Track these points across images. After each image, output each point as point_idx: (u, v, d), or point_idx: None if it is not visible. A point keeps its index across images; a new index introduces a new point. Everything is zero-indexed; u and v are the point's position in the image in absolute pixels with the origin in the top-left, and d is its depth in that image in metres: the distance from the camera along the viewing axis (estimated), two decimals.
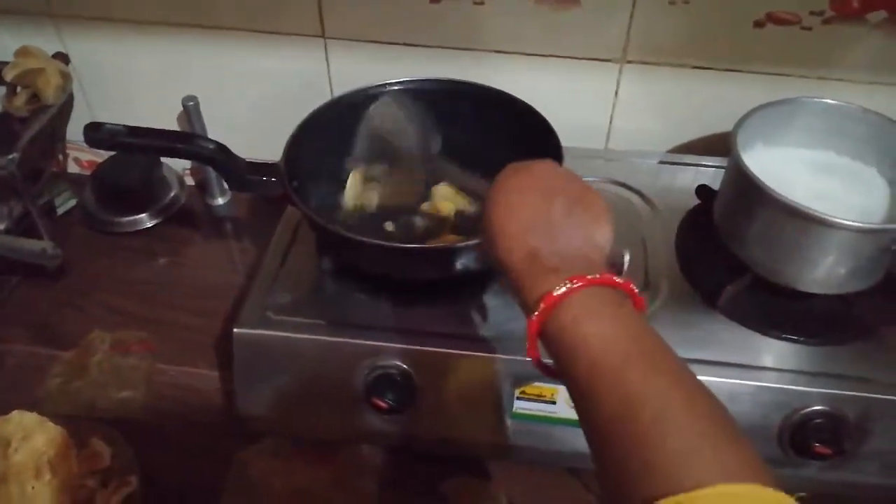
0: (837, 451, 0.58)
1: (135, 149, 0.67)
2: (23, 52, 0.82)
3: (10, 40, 0.84)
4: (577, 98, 0.81)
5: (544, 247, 0.43)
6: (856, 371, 0.60)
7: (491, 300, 0.66)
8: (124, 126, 0.65)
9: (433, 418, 0.64)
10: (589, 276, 0.40)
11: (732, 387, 0.59)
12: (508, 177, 0.48)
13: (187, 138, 0.71)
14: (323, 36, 0.80)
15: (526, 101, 0.73)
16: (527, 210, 0.45)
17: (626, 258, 0.49)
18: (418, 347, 0.61)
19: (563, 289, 0.39)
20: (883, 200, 0.65)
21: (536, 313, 0.40)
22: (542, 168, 0.48)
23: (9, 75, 0.80)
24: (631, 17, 0.74)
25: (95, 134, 0.64)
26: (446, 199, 0.74)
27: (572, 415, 0.61)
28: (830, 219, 0.56)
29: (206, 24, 0.82)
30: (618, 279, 0.41)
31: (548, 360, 0.42)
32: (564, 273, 0.40)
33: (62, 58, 0.85)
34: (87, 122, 0.67)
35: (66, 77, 0.84)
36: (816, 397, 0.59)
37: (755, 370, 0.60)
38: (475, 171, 0.72)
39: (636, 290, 0.42)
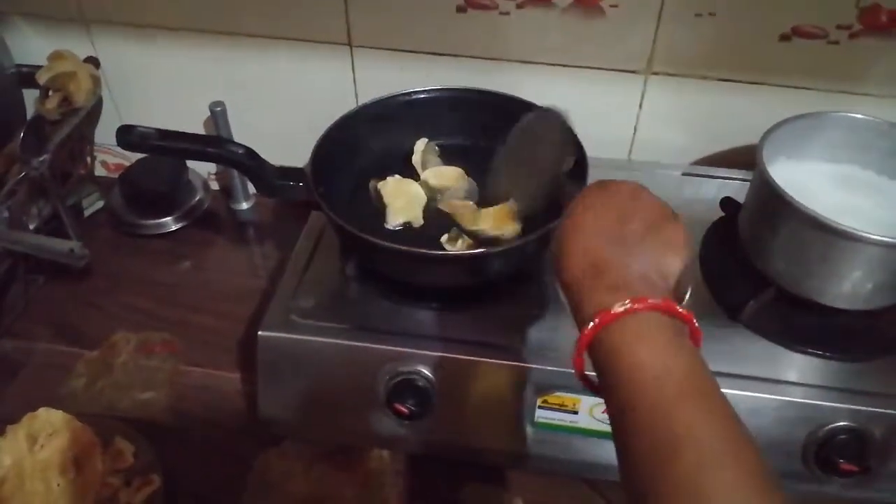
0: (863, 468, 0.57)
1: (165, 152, 0.68)
2: (56, 56, 0.84)
3: (43, 44, 0.86)
4: (602, 109, 0.81)
5: (609, 263, 0.42)
6: (882, 387, 0.59)
7: (515, 308, 0.66)
8: (155, 129, 0.66)
9: (454, 425, 0.64)
10: (650, 300, 0.39)
11: (756, 401, 0.59)
12: (589, 194, 0.47)
13: (217, 142, 0.72)
14: (349, 44, 0.81)
15: None
16: (596, 226, 0.44)
17: (688, 293, 0.48)
18: (441, 354, 0.62)
19: (622, 308, 0.39)
20: None
21: (589, 326, 0.39)
22: (624, 189, 0.47)
23: (42, 78, 0.82)
24: (657, 29, 0.74)
25: (127, 136, 0.65)
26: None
27: (594, 425, 0.62)
28: (858, 233, 0.56)
29: (234, 31, 0.83)
30: (680, 308, 0.40)
31: (591, 373, 0.42)
32: (626, 293, 0.39)
33: (93, 62, 0.87)
34: (115, 125, 0.68)
35: (96, 81, 0.86)
36: (842, 413, 0.58)
37: (779, 384, 0.60)
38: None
39: (696, 323, 0.41)
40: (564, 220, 0.46)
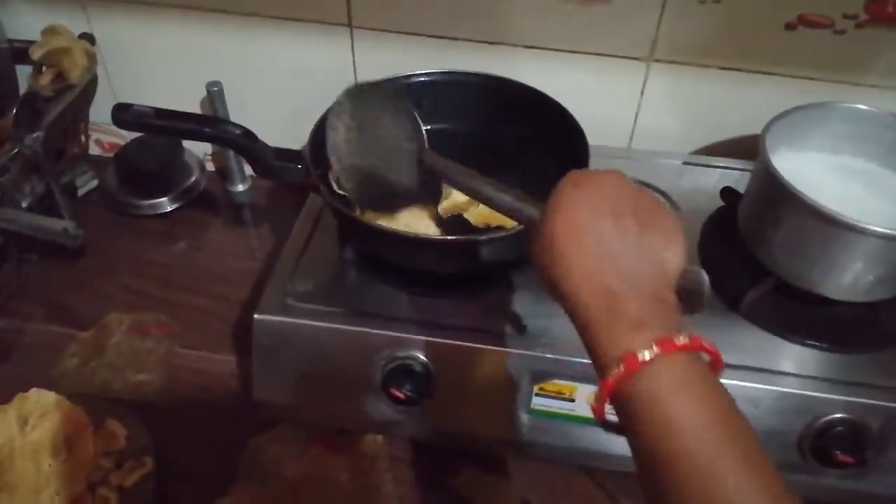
0: (859, 460, 0.57)
1: (161, 131, 0.67)
2: (50, 32, 0.83)
3: (37, 19, 0.84)
4: (603, 95, 0.80)
5: (620, 287, 0.39)
6: (880, 380, 0.59)
7: (513, 295, 0.65)
8: (151, 108, 0.65)
9: (450, 411, 0.64)
10: (678, 342, 0.37)
11: (754, 392, 0.59)
12: (573, 188, 0.42)
13: (214, 122, 0.71)
14: (350, 25, 0.80)
15: (552, 96, 0.72)
16: (599, 238, 0.40)
17: (706, 281, 0.43)
18: (437, 339, 0.61)
19: (650, 355, 0.36)
20: None
21: (614, 374, 0.37)
22: (609, 182, 0.43)
23: (35, 54, 0.81)
24: (660, 16, 0.73)
25: (123, 114, 0.64)
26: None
27: (590, 413, 0.62)
28: (860, 224, 0.56)
29: (232, 10, 0.82)
30: (706, 343, 0.38)
31: (612, 418, 0.40)
32: (649, 330, 0.37)
33: (88, 38, 0.86)
34: (110, 103, 0.67)
35: (91, 57, 0.85)
36: (839, 405, 0.58)
37: (777, 375, 0.60)
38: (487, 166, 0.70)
39: (721, 355, 0.39)
40: (554, 225, 0.41)
